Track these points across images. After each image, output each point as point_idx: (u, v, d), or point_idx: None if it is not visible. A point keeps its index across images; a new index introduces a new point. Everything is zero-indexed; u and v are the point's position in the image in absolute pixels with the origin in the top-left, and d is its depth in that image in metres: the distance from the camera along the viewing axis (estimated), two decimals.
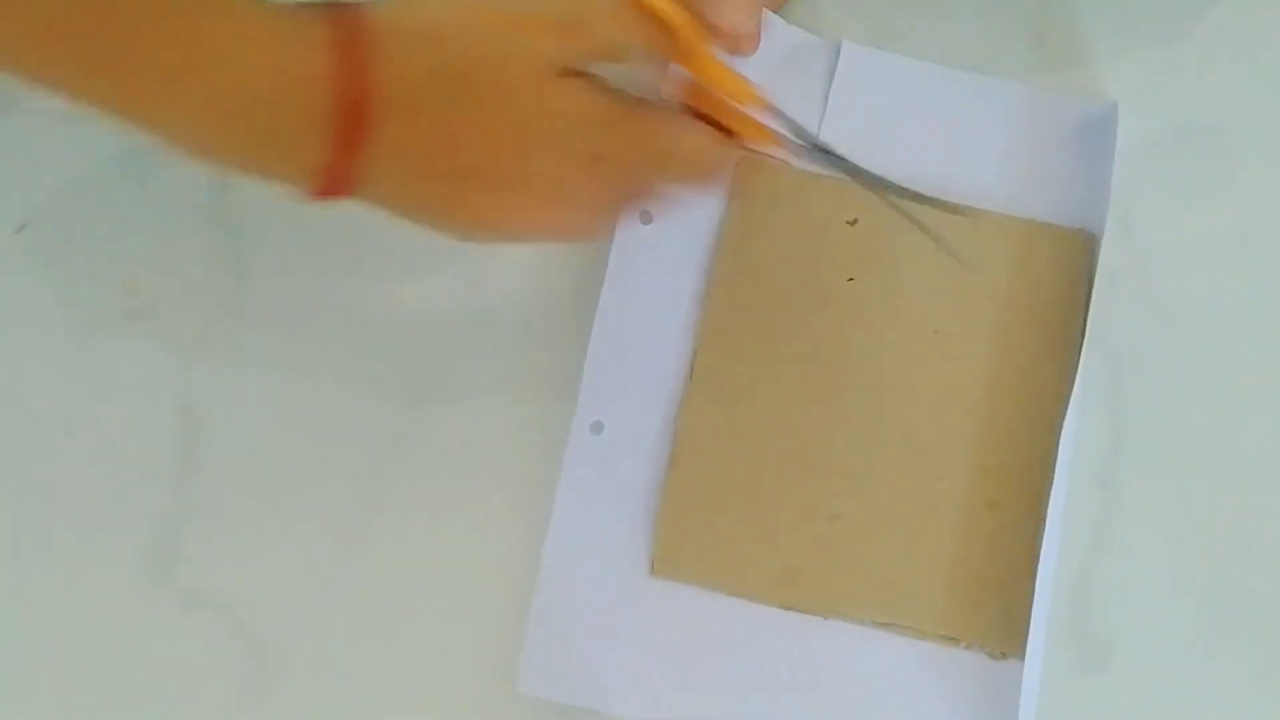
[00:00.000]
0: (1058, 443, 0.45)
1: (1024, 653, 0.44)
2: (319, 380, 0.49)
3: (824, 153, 0.44)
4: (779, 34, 0.50)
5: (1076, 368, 0.46)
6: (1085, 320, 0.47)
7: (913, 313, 0.48)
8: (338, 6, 0.35)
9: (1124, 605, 0.46)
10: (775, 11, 0.49)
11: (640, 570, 0.46)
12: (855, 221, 0.49)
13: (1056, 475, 0.45)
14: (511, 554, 0.47)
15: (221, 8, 0.34)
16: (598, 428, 0.47)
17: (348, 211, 0.51)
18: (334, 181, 0.35)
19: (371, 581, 0.47)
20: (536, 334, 0.49)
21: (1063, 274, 0.49)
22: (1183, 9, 0.52)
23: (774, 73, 0.49)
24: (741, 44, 0.40)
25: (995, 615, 0.46)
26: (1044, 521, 0.45)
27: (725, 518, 0.46)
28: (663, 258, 0.49)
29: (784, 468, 0.47)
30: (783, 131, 0.43)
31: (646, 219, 0.48)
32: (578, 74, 0.37)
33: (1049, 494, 0.45)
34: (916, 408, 0.48)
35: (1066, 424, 0.45)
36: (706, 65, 0.40)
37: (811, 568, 0.46)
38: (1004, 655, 0.45)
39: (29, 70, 0.34)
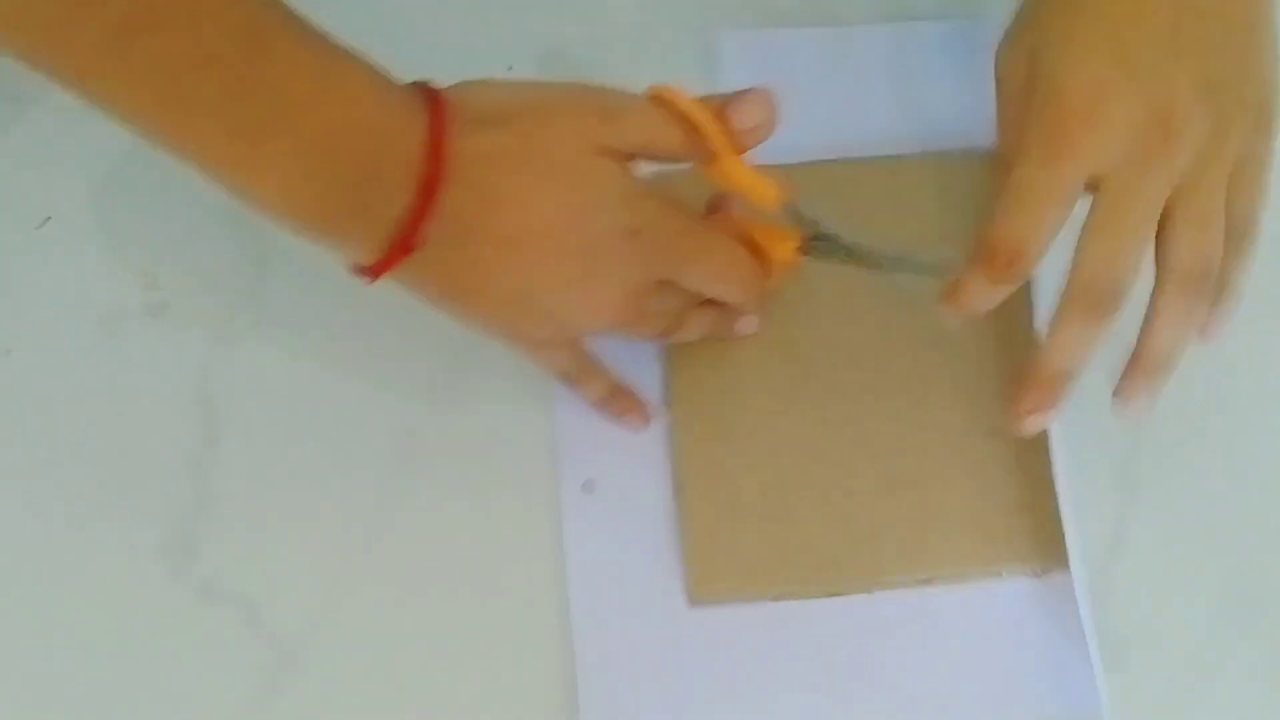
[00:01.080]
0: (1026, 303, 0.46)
1: (1066, 563, 0.44)
2: (338, 375, 0.49)
3: (841, 246, 0.44)
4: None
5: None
6: None
7: (869, 276, 0.47)
8: (420, 81, 0.39)
9: (1142, 605, 0.46)
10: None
11: (677, 604, 0.46)
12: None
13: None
14: (530, 549, 0.47)
15: (317, 60, 0.37)
16: (589, 486, 0.47)
17: None
18: (400, 240, 0.38)
19: (389, 576, 0.47)
20: None
21: (985, 194, 0.48)
22: None
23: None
24: (760, 137, 0.41)
25: (1026, 535, 0.46)
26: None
27: (747, 527, 0.46)
28: None
29: (789, 460, 0.47)
30: (803, 228, 0.44)
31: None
32: (621, 157, 0.40)
33: None
34: (895, 363, 0.48)
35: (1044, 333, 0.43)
36: (731, 167, 0.41)
37: (844, 547, 0.46)
38: (1046, 571, 0.46)
39: (117, 101, 0.36)
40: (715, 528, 0.46)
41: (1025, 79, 0.40)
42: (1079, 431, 0.46)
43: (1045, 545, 0.45)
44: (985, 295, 0.41)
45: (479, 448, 0.48)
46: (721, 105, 0.40)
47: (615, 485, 0.47)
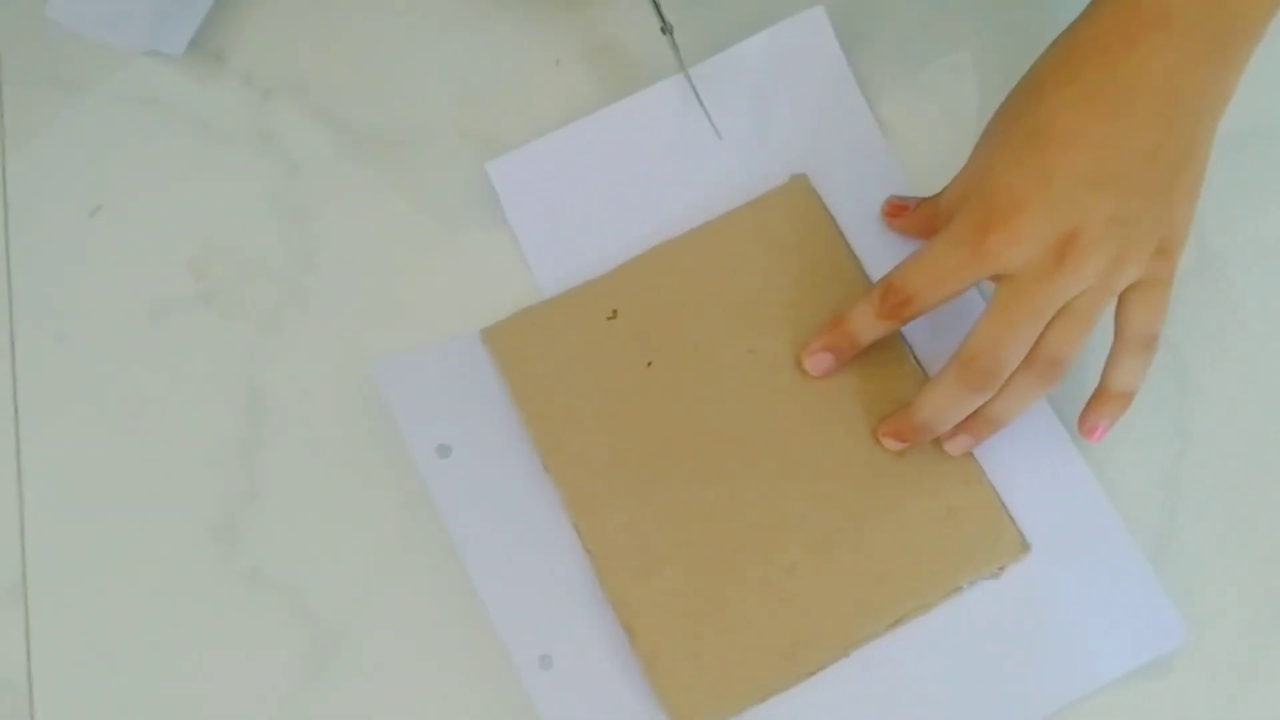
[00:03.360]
0: (902, 342, 0.47)
1: (1024, 547, 0.45)
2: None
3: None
4: None
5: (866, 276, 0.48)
6: (848, 245, 0.49)
7: (720, 343, 0.48)
8: None
9: (1187, 608, 0.46)
10: None
11: None
12: (615, 314, 0.48)
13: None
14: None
15: None
16: (546, 662, 0.45)
17: (407, 207, 0.51)
18: None
19: (431, 565, 0.47)
20: None
21: (804, 222, 0.49)
22: None
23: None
24: None
25: (972, 540, 0.46)
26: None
27: (708, 643, 0.45)
28: (480, 470, 0.47)
29: (721, 561, 0.45)
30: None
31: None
32: None
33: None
34: (780, 421, 0.47)
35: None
36: None
37: (806, 623, 0.45)
38: (1002, 568, 0.46)
39: None
40: (677, 657, 0.45)
41: (986, 155, 0.44)
42: (1122, 437, 0.46)
43: (994, 544, 0.45)
44: (868, 324, 0.45)
45: None
46: None
47: (570, 652, 0.45)
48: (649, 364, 0.47)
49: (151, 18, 0.52)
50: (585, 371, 0.47)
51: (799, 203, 0.49)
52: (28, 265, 0.51)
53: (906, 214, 0.49)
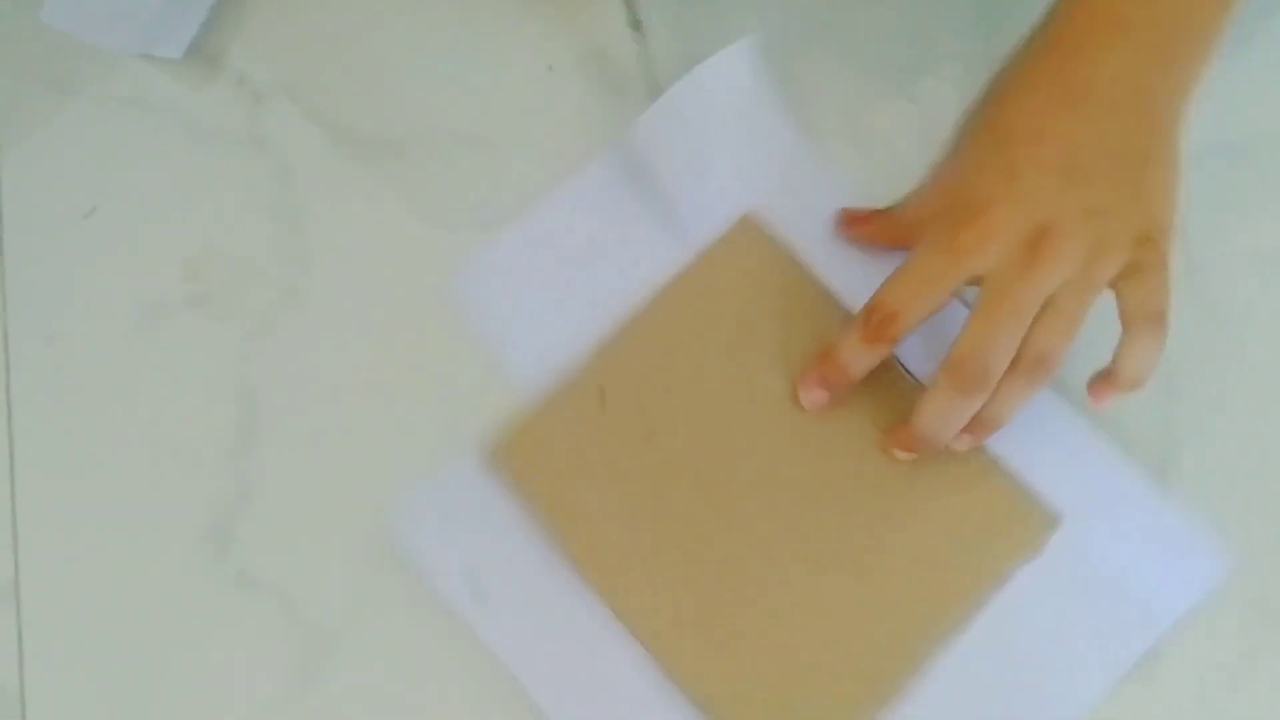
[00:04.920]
0: (896, 362, 0.47)
1: (1055, 520, 0.45)
2: (375, 368, 0.50)
3: None
4: None
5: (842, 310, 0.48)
6: (811, 272, 0.49)
7: (714, 398, 0.47)
8: None
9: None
10: None
11: None
12: (603, 395, 0.48)
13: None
14: None
15: None
16: None
17: (400, 208, 0.52)
18: None
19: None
20: None
21: (762, 259, 0.49)
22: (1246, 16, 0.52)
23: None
24: None
25: (1002, 527, 0.46)
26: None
27: (786, 699, 0.45)
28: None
29: (773, 612, 0.45)
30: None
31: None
32: None
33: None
34: (790, 459, 0.47)
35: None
36: None
37: (868, 653, 0.45)
38: (1039, 547, 0.46)
39: None
40: (741, 681, 0.45)
41: (953, 161, 0.45)
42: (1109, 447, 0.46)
43: (1021, 534, 0.46)
44: (856, 351, 0.45)
45: None
46: None
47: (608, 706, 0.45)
48: (648, 439, 0.47)
49: (146, 21, 0.52)
50: (592, 464, 0.47)
51: (753, 241, 0.49)
52: (21, 267, 0.51)
53: (864, 223, 0.49)
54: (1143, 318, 0.43)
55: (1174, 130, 0.43)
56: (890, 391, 0.47)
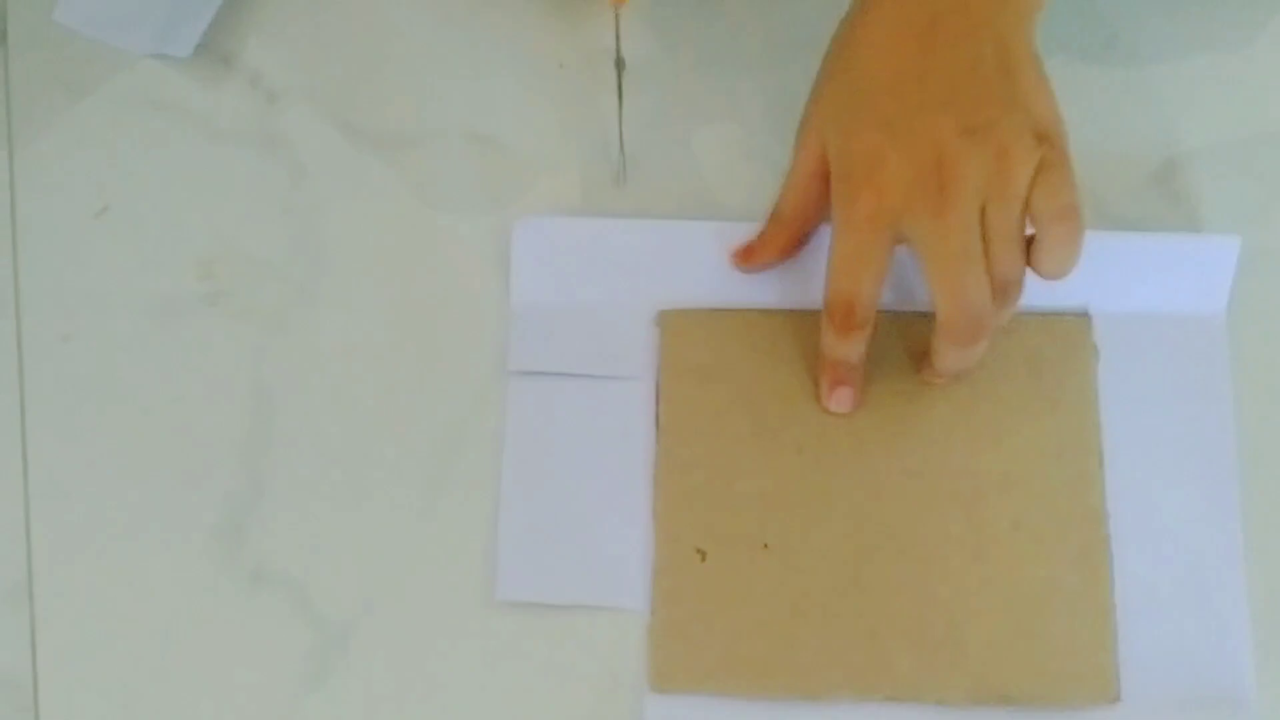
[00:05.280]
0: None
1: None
2: (389, 364, 0.50)
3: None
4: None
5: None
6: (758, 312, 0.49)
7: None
8: None
9: None
10: None
11: None
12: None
13: None
14: None
15: None
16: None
17: (413, 206, 0.52)
18: None
19: (437, 564, 0.48)
20: None
21: (707, 331, 0.49)
22: (1252, 16, 0.52)
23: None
24: None
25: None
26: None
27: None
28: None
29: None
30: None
31: None
32: None
33: None
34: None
35: None
36: None
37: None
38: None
39: None
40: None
41: (819, 159, 0.44)
42: None
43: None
44: (843, 346, 0.46)
45: None
46: None
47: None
48: (768, 554, 0.46)
49: (159, 21, 0.53)
50: (738, 624, 0.46)
51: (688, 326, 0.49)
52: (34, 266, 0.52)
53: (755, 250, 0.48)
54: (1054, 214, 0.42)
55: (1027, 44, 0.43)
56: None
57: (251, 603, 0.48)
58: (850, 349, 0.46)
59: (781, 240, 0.48)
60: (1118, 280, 0.48)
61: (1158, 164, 0.51)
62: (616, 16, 0.49)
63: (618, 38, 0.50)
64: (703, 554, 0.46)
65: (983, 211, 0.42)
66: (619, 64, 0.50)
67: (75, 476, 0.49)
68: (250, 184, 0.52)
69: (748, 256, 0.49)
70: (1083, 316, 0.48)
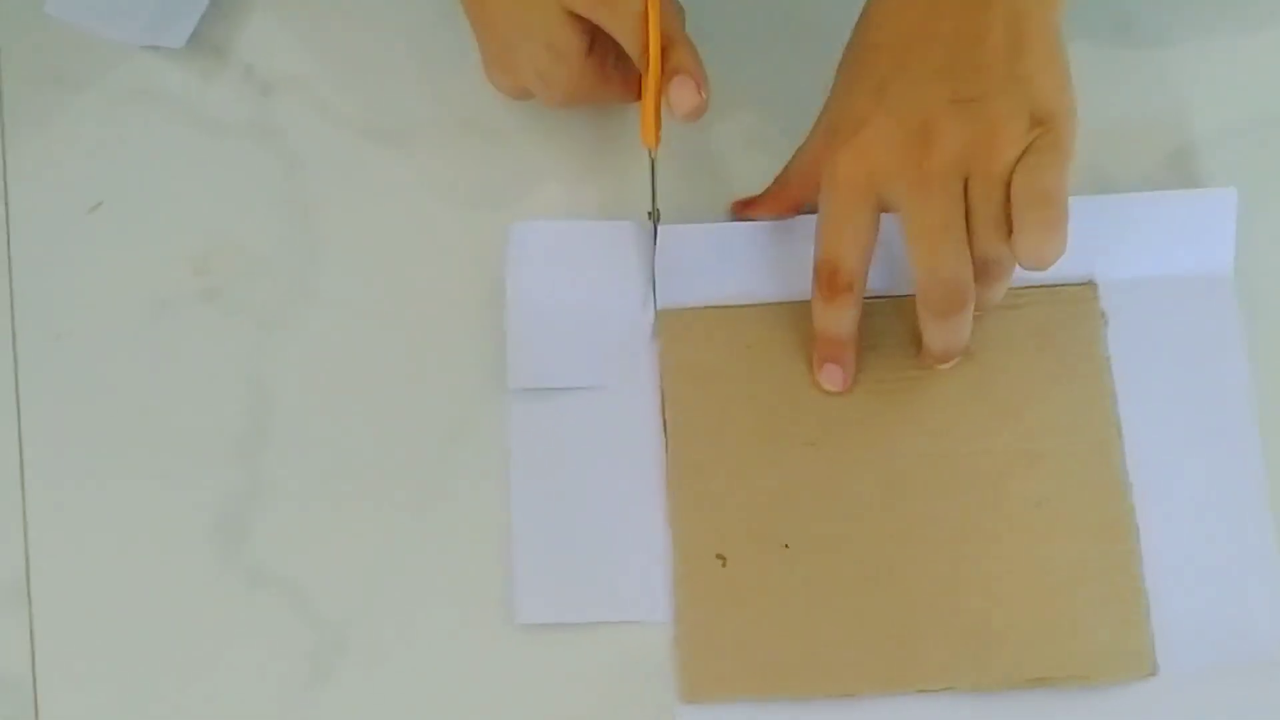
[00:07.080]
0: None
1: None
2: (387, 361, 0.49)
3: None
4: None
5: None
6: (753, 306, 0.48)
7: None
8: None
9: None
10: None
11: None
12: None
13: None
14: None
15: None
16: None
17: (410, 199, 0.51)
18: None
19: (436, 562, 0.47)
20: None
21: (705, 329, 0.48)
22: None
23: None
24: (684, 104, 0.44)
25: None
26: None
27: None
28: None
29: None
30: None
31: None
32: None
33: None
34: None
35: None
36: (647, 87, 0.44)
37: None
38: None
39: None
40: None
41: (828, 102, 0.45)
42: None
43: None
44: (831, 315, 0.45)
45: None
46: (672, 52, 0.44)
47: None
48: (793, 553, 0.46)
49: (151, 12, 0.52)
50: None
51: (686, 325, 0.48)
52: (28, 262, 0.51)
53: (756, 202, 0.49)
54: (1030, 199, 0.40)
55: (1047, 24, 0.41)
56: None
57: (249, 602, 0.47)
58: (838, 317, 0.45)
59: (782, 200, 0.48)
60: (1120, 244, 0.47)
61: (1173, 147, 0.50)
62: (653, 165, 0.47)
63: (654, 186, 0.47)
64: (723, 559, 0.46)
65: (965, 186, 0.41)
66: (654, 216, 0.48)
67: (71, 475, 0.49)
68: (245, 177, 0.52)
69: (747, 206, 0.49)
70: (1088, 284, 0.48)
